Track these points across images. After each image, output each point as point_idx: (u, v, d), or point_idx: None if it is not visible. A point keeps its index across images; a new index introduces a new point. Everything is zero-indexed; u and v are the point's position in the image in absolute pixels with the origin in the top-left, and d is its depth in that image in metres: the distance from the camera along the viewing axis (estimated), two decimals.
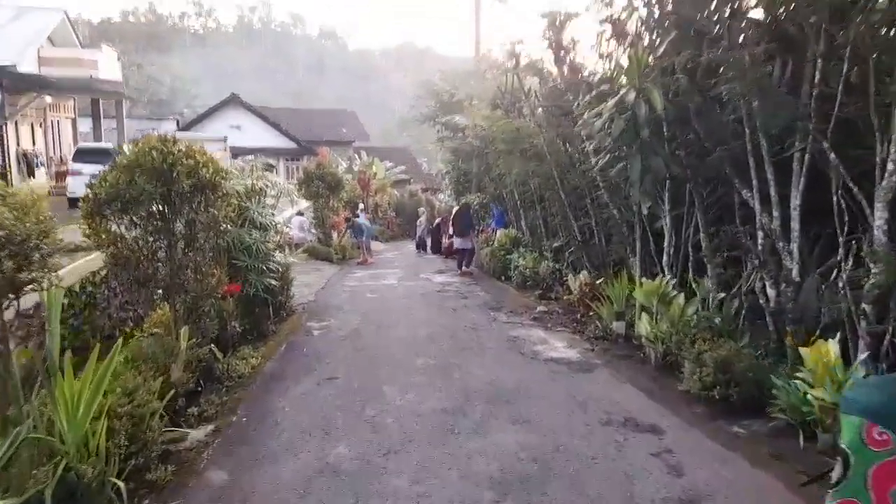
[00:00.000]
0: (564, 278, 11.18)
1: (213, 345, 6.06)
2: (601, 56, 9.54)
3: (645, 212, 6.99)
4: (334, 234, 17.73)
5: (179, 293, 5.43)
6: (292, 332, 8.24)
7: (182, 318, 5.43)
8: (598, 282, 9.48)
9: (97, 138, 23.01)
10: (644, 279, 7.00)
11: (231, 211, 6.04)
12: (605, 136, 7.07)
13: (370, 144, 37.72)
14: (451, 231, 18.47)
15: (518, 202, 16.05)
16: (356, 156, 32.04)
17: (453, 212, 21.38)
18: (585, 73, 9.93)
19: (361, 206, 24.52)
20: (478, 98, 19.42)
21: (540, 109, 12.62)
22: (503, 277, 13.81)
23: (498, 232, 16.80)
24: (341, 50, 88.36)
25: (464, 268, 15.39)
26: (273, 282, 7.74)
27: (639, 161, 6.76)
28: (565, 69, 9.91)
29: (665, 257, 8.02)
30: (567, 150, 11.64)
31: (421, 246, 21.15)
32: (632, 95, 6.56)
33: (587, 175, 11.13)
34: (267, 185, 8.06)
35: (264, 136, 31.69)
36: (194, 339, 5.45)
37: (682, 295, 6.57)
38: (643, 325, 6.78)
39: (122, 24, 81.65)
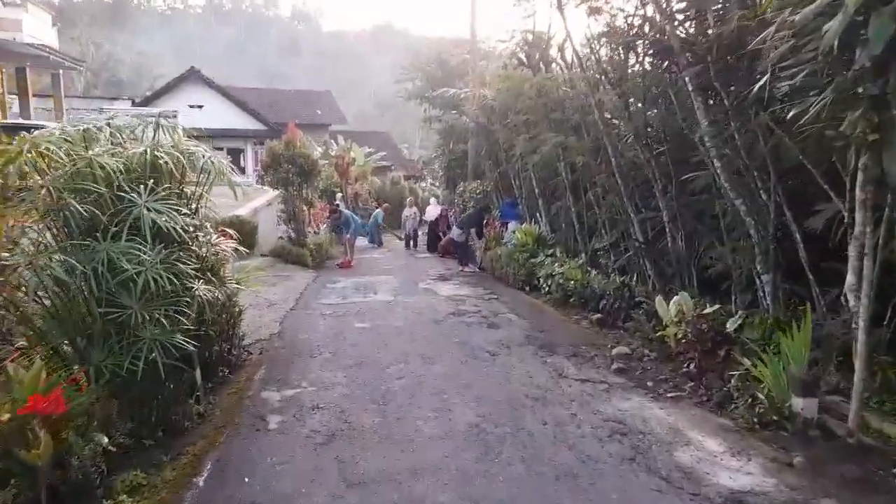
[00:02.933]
0: (636, 298, 7.65)
1: None
2: None
3: None
4: (309, 231, 13.95)
5: None
6: (232, 420, 4.53)
7: None
8: (707, 311, 6.00)
9: (26, 117, 18.69)
10: None
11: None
12: (828, 50, 3.49)
13: (347, 128, 33.69)
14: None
15: (537, 190, 12.48)
16: (332, 140, 28.12)
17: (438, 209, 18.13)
18: None
19: (340, 195, 20.80)
20: (486, 59, 15.70)
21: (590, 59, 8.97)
22: (527, 287, 10.25)
23: (509, 226, 13.21)
24: (315, 32, 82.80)
25: (465, 267, 13.00)
26: (189, 343, 3.98)
27: None
28: None
29: (856, 279, 4.41)
30: (629, 113, 8.09)
31: (411, 241, 17.55)
32: None
33: (654, 148, 7.67)
34: (184, 160, 4.30)
35: (229, 117, 27.44)
36: None
37: None
38: None
39: (86, 3, 75.79)
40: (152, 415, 4.11)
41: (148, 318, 3.72)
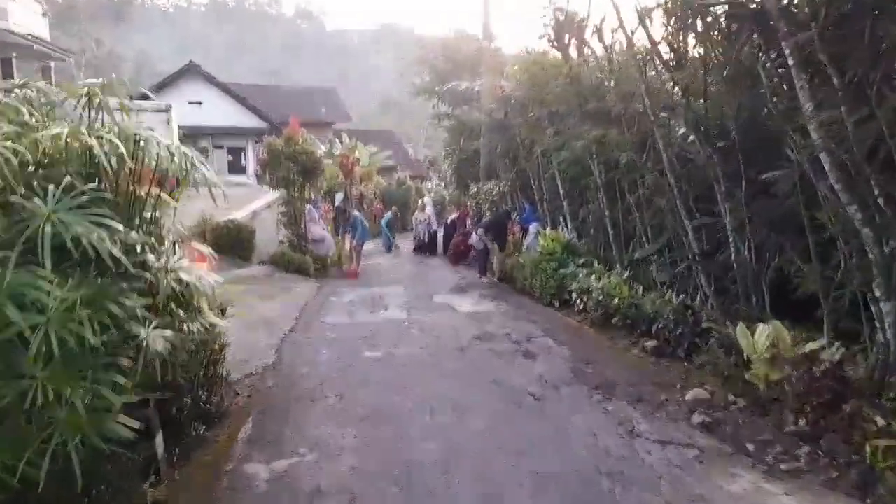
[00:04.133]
0: (702, 324, 6.29)
1: None
2: None
3: None
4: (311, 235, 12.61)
5: None
6: None
7: None
8: (812, 346, 4.69)
9: None
10: None
11: None
12: None
13: (351, 126, 32.33)
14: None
15: (563, 191, 11.14)
16: (336, 139, 26.81)
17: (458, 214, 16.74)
18: None
19: (341, 195, 19.46)
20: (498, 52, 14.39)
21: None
22: (557, 303, 8.91)
23: (531, 228, 11.82)
24: (318, 31, 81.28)
25: (483, 277, 11.88)
26: (127, 427, 2.64)
27: None
28: None
29: None
30: (689, 100, 6.74)
31: (421, 248, 16.24)
32: None
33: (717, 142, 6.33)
34: (124, 148, 2.97)
35: (230, 115, 26.10)
36: None
37: None
38: None
39: (89, 1, 74.62)
40: None
41: (57, 391, 2.39)
